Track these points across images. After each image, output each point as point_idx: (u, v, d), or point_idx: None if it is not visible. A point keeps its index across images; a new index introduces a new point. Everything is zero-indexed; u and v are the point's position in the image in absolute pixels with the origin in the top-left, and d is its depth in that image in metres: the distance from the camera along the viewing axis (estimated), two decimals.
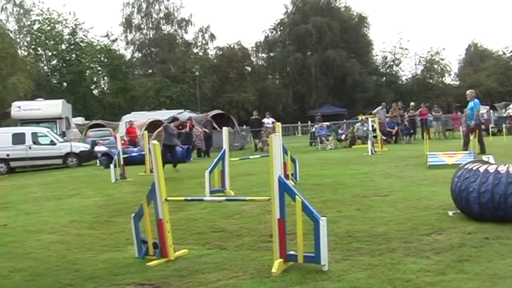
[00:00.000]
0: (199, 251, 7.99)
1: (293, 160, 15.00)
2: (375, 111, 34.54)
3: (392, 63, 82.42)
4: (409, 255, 6.97)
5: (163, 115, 38.13)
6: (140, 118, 36.68)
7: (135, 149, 26.39)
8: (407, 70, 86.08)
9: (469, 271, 6.14)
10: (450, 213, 9.18)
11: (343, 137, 32.34)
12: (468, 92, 21.63)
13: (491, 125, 34.52)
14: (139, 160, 22.56)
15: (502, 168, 8.58)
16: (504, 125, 34.01)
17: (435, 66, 79.82)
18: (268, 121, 32.97)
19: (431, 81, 79.81)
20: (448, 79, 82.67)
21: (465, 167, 9.16)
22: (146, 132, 23.06)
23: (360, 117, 34.15)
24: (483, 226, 8.23)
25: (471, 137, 19.36)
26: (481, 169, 8.70)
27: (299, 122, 54.75)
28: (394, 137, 31.86)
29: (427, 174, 14.88)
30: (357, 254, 7.22)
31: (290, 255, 6.68)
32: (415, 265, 6.50)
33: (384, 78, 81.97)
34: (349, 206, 10.81)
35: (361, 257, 7.06)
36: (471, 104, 20.98)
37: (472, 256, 6.72)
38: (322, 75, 73.93)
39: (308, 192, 11.15)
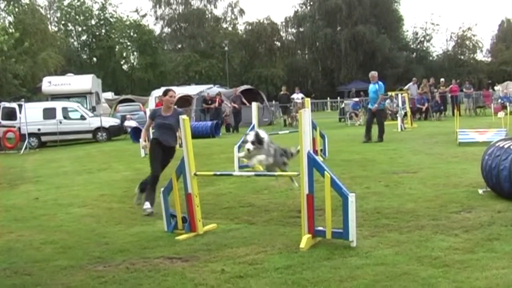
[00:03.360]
0: (228, 226, 8.04)
1: (322, 136, 14.96)
2: (406, 87, 34.22)
3: (423, 38, 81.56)
4: (437, 233, 6.94)
5: (192, 90, 38.14)
6: None
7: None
8: (438, 46, 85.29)
9: (498, 250, 6.09)
10: (480, 191, 9.10)
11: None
12: (372, 73, 19.90)
13: None
14: None
15: None
16: None
17: (467, 42, 78.75)
18: (297, 96, 32.87)
19: (462, 57, 78.73)
20: (479, 56, 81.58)
21: (496, 144, 9.07)
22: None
23: (390, 93, 33.87)
24: None
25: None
26: None
27: (328, 98, 54.50)
28: (424, 114, 31.57)
29: (457, 151, 14.76)
30: (385, 230, 7.21)
31: (318, 231, 6.69)
32: (443, 243, 6.47)
33: (415, 54, 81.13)
34: (377, 183, 10.78)
35: (389, 233, 7.04)
36: (375, 86, 19.37)
37: (501, 235, 6.67)
38: (352, 51, 73.36)
39: (337, 168, 11.13)
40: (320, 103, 50.40)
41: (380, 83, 19.43)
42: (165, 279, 5.73)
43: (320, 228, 6.70)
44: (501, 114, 19.53)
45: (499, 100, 33.40)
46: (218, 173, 9.70)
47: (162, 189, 7.99)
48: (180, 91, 37.58)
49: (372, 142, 18.38)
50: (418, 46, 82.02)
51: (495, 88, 39.81)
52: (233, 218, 8.53)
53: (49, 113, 29.17)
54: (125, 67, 77.34)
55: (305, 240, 6.58)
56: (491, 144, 9.38)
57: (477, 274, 5.35)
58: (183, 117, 7.85)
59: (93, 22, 74.62)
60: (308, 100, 14.96)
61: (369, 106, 19.77)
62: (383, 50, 73.06)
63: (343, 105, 35.70)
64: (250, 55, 75.90)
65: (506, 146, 8.70)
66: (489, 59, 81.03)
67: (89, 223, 8.85)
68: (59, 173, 16.06)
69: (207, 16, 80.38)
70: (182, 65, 70.69)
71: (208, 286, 5.44)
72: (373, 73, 19.61)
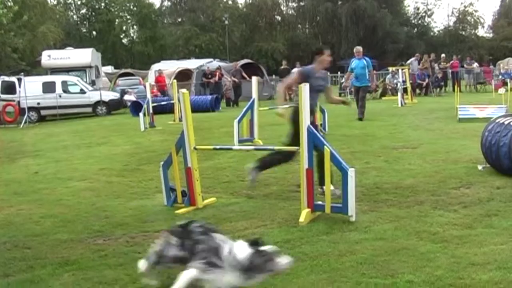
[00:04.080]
0: (227, 200, 8.06)
1: (322, 111, 14.95)
2: (409, 61, 34.11)
3: (424, 14, 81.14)
4: (436, 208, 6.96)
5: (192, 64, 38.05)
6: (169, 67, 36.61)
7: (165, 98, 26.44)
8: (439, 21, 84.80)
9: (496, 226, 6.12)
10: (480, 167, 9.12)
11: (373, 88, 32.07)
12: (357, 48, 18.93)
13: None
14: (168, 109, 22.59)
15: None
16: None
17: (468, 17, 78.34)
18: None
19: (463, 33, 78.35)
20: (481, 32, 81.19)
21: (496, 121, 9.07)
22: (175, 81, 23.04)
23: (390, 69, 33.75)
24: None
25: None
26: None
27: (328, 73, 54.33)
28: (424, 89, 31.51)
29: (457, 127, 14.76)
30: (384, 205, 7.23)
31: (318, 205, 6.71)
32: (442, 218, 6.50)
33: (416, 29, 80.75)
34: (377, 158, 10.80)
35: (388, 209, 7.07)
36: (362, 62, 18.44)
37: (500, 211, 6.70)
38: (353, 25, 72.94)
39: (336, 143, 11.13)
40: None
41: (367, 58, 18.81)
42: None
43: (320, 202, 6.72)
44: (501, 90, 19.51)
45: (500, 77, 33.32)
46: (217, 147, 9.71)
47: (162, 163, 7.98)
48: (179, 65, 37.57)
49: (363, 119, 17.81)
50: (419, 22, 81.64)
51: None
52: (233, 192, 8.54)
53: (48, 87, 29.07)
54: (124, 40, 77.06)
55: (305, 214, 6.60)
56: (491, 121, 9.38)
57: (475, 250, 5.38)
58: (183, 91, 7.83)
59: None
60: None
61: (356, 83, 18.78)
62: (384, 25, 72.65)
63: (343, 80, 35.52)
64: (251, 29, 75.53)
65: (506, 123, 8.70)
66: (491, 35, 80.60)
67: (88, 197, 8.86)
68: (58, 147, 16.05)
69: None
70: (182, 39, 70.37)
71: None
72: (359, 48, 18.90)
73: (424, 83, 31.39)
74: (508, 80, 31.12)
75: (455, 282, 4.64)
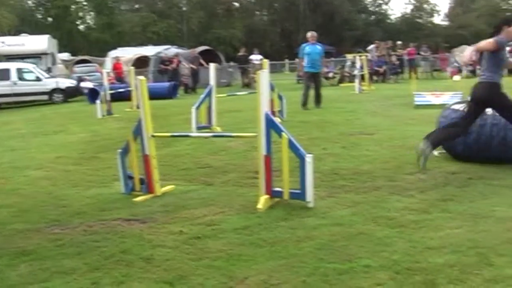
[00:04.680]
0: (186, 187, 8.03)
1: (280, 97, 14.97)
2: (369, 48, 34.37)
3: (381, 1, 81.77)
4: (393, 194, 7.03)
5: (149, 51, 37.77)
6: (126, 54, 36.28)
7: (122, 85, 26.22)
8: (397, 9, 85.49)
9: (452, 210, 6.21)
10: (436, 153, 9.22)
11: (330, 75, 32.26)
12: (313, 33, 18.16)
13: (478, 66, 34.53)
14: (126, 96, 22.40)
15: (489, 110, 8.60)
16: None
17: (425, 5, 79.25)
18: (255, 57, 32.73)
19: (420, 20, 79.27)
20: (437, 19, 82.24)
21: (451, 107, 9.20)
22: (132, 68, 22.82)
23: (348, 56, 33.98)
24: (467, 167, 8.31)
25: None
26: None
27: (286, 60, 54.42)
28: (381, 76, 31.79)
29: (414, 114, 14.93)
30: (342, 191, 7.28)
31: (276, 192, 6.73)
32: (399, 204, 6.57)
33: (373, 16, 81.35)
34: (335, 144, 10.85)
35: (346, 194, 7.12)
36: (317, 47, 17.91)
37: (455, 196, 6.80)
38: (311, 12, 73.17)
39: (294, 129, 11.15)
40: (278, 65, 50.31)
41: (320, 44, 18.26)
42: (123, 241, 5.71)
43: (278, 188, 6.73)
44: (456, 77, 19.79)
45: (455, 64, 33.80)
46: (175, 134, 9.65)
47: (119, 150, 7.91)
48: (137, 52, 37.24)
49: (310, 109, 17.42)
50: (377, 9, 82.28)
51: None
52: (191, 180, 8.51)
53: (3, 74, 28.59)
54: (81, 27, 76.01)
55: (263, 200, 6.61)
56: (447, 107, 9.51)
57: (432, 234, 5.46)
58: (140, 77, 7.76)
59: None
60: (266, 62, 14.92)
61: (311, 69, 17.93)
62: (341, 12, 73.16)
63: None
64: (209, 16, 75.13)
65: (461, 109, 8.82)
66: (447, 23, 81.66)
67: (45, 186, 8.74)
68: (14, 135, 15.80)
69: None
70: (139, 25, 69.72)
71: (166, 248, 5.44)
72: (314, 33, 18.16)
73: (381, 70, 31.67)
74: (463, 68, 31.76)
75: (411, 266, 4.70)
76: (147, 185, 7.62)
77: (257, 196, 6.78)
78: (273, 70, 44.03)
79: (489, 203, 6.43)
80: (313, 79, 18.03)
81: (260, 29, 77.24)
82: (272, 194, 6.72)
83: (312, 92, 17.84)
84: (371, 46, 34.33)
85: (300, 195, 6.54)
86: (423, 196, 6.84)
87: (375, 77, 30.97)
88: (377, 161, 9.05)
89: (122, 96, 22.77)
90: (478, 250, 5.01)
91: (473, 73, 32.56)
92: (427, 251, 5.02)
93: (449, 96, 16.20)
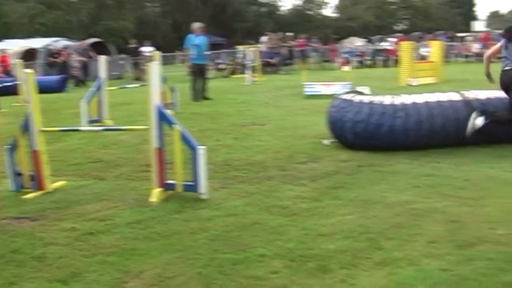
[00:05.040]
0: (77, 182, 7.81)
1: (172, 90, 14.87)
2: (265, 39, 34.65)
3: None
4: (286, 183, 7.12)
5: (38, 43, 36.55)
6: (13, 46, 34.93)
7: (9, 79, 25.23)
8: (288, 1, 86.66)
9: (342, 197, 6.35)
10: (326, 142, 9.42)
11: (222, 66, 32.34)
12: (198, 24, 18.16)
13: (367, 57, 35.67)
14: (13, 90, 21.55)
15: (376, 99, 8.86)
16: (379, 58, 35.28)
17: None
18: (146, 49, 32.32)
19: (310, 12, 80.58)
20: (327, 12, 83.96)
21: (341, 97, 9.40)
22: (20, 61, 22.01)
23: (239, 47, 34.15)
24: (357, 155, 8.52)
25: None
26: (356, 100, 8.95)
27: (177, 52, 54.05)
28: (273, 67, 32.11)
29: (304, 104, 15.18)
30: (235, 182, 7.30)
31: (169, 184, 6.66)
32: (291, 192, 6.65)
33: (264, 8, 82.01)
34: (227, 135, 10.88)
35: (239, 185, 7.14)
36: (205, 39, 18.07)
37: (346, 183, 6.96)
38: (202, 4, 72.98)
39: (186, 122, 11.10)
40: (170, 57, 49.89)
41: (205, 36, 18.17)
42: (13, 240, 5.49)
43: (171, 181, 6.67)
44: (346, 68, 20.27)
45: (344, 55, 34.67)
46: (65, 128, 9.41)
47: (7, 146, 7.60)
48: (25, 44, 35.97)
49: (201, 101, 17.40)
50: (268, 1, 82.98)
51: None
52: (83, 175, 8.30)
53: None
54: None
55: (156, 193, 6.54)
56: (336, 97, 9.72)
57: (324, 221, 5.56)
58: (27, 71, 7.47)
59: None
60: (157, 53, 14.77)
61: (199, 61, 17.84)
62: (233, 3, 73.28)
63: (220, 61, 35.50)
64: (99, 7, 73.47)
65: (350, 99, 9.04)
66: (336, 15, 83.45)
67: None
68: None
69: None
70: (26, 16, 67.36)
71: (58, 245, 5.27)
72: (202, 24, 18.21)
73: (273, 61, 32.00)
74: (352, 58, 32.62)
75: (305, 253, 4.77)
76: (37, 181, 7.36)
77: (150, 190, 6.69)
78: (165, 62, 43.67)
79: (378, 189, 6.62)
80: (201, 71, 17.98)
81: (151, 20, 76.29)
82: (166, 187, 6.66)
83: (199, 85, 17.78)
84: (264, 38, 34.66)
85: (193, 187, 6.51)
86: (315, 185, 6.96)
87: (267, 68, 31.26)
88: (269, 151, 9.14)
89: (9, 90, 21.89)
90: (369, 235, 5.15)
91: (361, 63, 33.76)
92: (319, 238, 5.11)
93: (339, 86, 16.58)
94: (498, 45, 9.05)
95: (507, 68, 8.56)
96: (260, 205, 6.19)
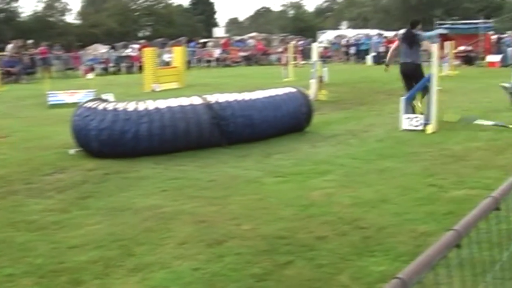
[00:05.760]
0: None
1: None
2: (9, 47, 33.00)
3: None
4: (31, 196, 6.93)
5: None
6: None
7: None
8: (28, 7, 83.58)
9: (91, 207, 6.35)
10: (71, 151, 9.30)
11: None
12: None
13: (111, 64, 35.56)
14: None
15: (120, 106, 8.94)
16: (123, 64, 35.36)
17: (56, 4, 78.62)
18: None
19: (52, 19, 78.39)
20: (70, 18, 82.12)
21: (85, 105, 9.33)
22: None
23: None
24: (103, 163, 8.54)
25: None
26: (100, 107, 8.95)
27: None
28: (14, 76, 30.72)
29: (48, 114, 14.79)
30: None
31: None
32: (38, 206, 6.50)
33: (3, 14, 78.20)
34: None
35: None
36: None
37: (94, 192, 6.97)
38: None
39: None
40: None
41: None
42: None
43: None
44: (90, 75, 20.08)
45: (88, 62, 34.22)
46: None
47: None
48: None
49: None
50: (6, 6, 79.20)
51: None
52: None
53: None
54: None
55: None
56: (80, 105, 9.63)
57: (73, 233, 5.53)
58: None
59: None
60: None
61: None
62: None
63: None
64: None
65: (94, 107, 9.02)
66: (79, 22, 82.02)
67: None
68: None
69: None
70: None
71: None
72: None
73: (13, 70, 30.63)
74: (95, 65, 32.35)
75: (56, 267, 4.72)
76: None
77: None
78: None
79: (126, 196, 6.72)
80: None
81: None
82: None
83: None
84: (10, 46, 33.11)
85: None
86: (62, 196, 6.87)
87: (7, 78, 29.80)
88: (12, 165, 8.79)
89: None
90: (120, 242, 5.21)
91: (105, 70, 33.58)
92: (70, 251, 5.08)
93: (82, 94, 16.35)
94: (395, 44, 12.34)
95: (402, 61, 11.71)
96: (5, 222, 5.97)
